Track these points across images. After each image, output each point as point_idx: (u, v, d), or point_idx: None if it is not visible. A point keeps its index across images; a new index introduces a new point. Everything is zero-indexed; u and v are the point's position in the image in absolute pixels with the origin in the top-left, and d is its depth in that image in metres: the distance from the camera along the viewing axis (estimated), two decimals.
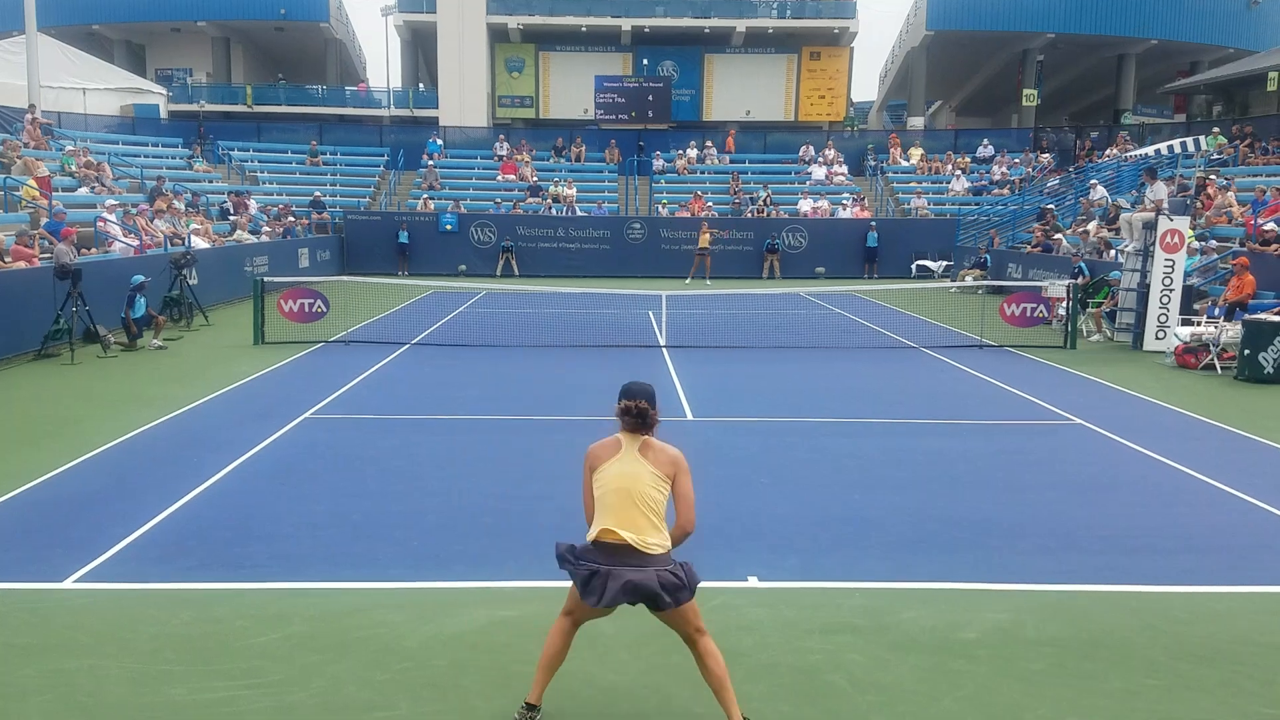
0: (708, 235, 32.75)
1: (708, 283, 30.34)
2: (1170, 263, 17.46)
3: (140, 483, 8.76)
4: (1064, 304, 18.77)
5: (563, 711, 4.91)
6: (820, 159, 41.09)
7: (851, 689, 5.18)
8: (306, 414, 11.60)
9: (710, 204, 37.22)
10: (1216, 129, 33.21)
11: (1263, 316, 15.15)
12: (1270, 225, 19.95)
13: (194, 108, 45.71)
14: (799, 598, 6.38)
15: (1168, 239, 17.42)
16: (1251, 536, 7.70)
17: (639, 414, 4.68)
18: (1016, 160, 40.90)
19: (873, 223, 35.32)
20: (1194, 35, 46.79)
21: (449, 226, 34.40)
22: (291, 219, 32.63)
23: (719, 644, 5.62)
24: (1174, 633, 5.90)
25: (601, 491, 4.59)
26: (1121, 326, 18.88)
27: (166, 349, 16.80)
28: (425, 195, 37.04)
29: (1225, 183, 25.64)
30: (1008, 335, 18.33)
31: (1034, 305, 18.51)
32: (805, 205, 37.12)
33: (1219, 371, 15.35)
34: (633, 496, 4.53)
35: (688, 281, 30.59)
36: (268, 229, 30.57)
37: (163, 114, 42.39)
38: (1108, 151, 37.90)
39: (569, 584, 6.55)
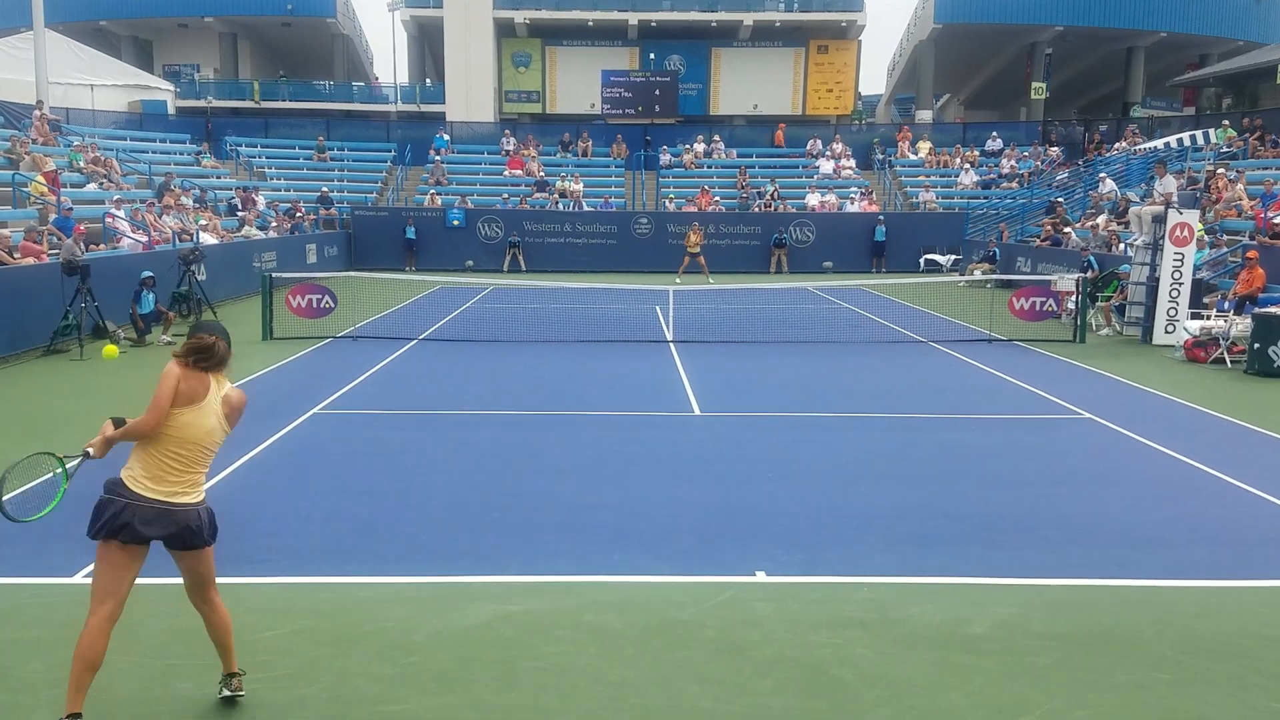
0: (697, 236, 32.52)
1: (710, 280, 30.20)
2: (1180, 256, 17.39)
3: None
4: (1073, 298, 18.72)
5: (570, 708, 4.92)
6: (828, 153, 41.01)
7: (858, 683, 5.18)
8: (315, 409, 11.62)
9: (718, 198, 37.19)
10: (1226, 122, 33.01)
11: (1273, 310, 15.08)
12: None
13: (201, 104, 45.77)
14: (806, 592, 6.38)
15: (1177, 232, 17.35)
16: (1260, 530, 7.68)
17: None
18: (1025, 154, 40.71)
19: (881, 217, 35.24)
20: (1203, 28, 46.54)
21: (456, 222, 34.42)
22: (299, 214, 32.69)
23: (726, 639, 5.65)
24: (1182, 627, 5.88)
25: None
26: (1131, 320, 18.82)
27: (175, 345, 16.81)
28: (432, 191, 37.05)
29: (1235, 175, 25.51)
30: (1016, 329, 18.29)
31: (1043, 299, 18.44)
32: (813, 199, 37.05)
33: (1228, 365, 15.29)
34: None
35: (678, 280, 30.31)
36: (275, 225, 30.63)
37: (170, 110, 42.45)
38: (1117, 145, 37.72)
39: (573, 579, 6.59)
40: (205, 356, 4.84)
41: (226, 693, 4.87)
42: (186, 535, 4.73)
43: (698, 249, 32.03)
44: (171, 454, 4.64)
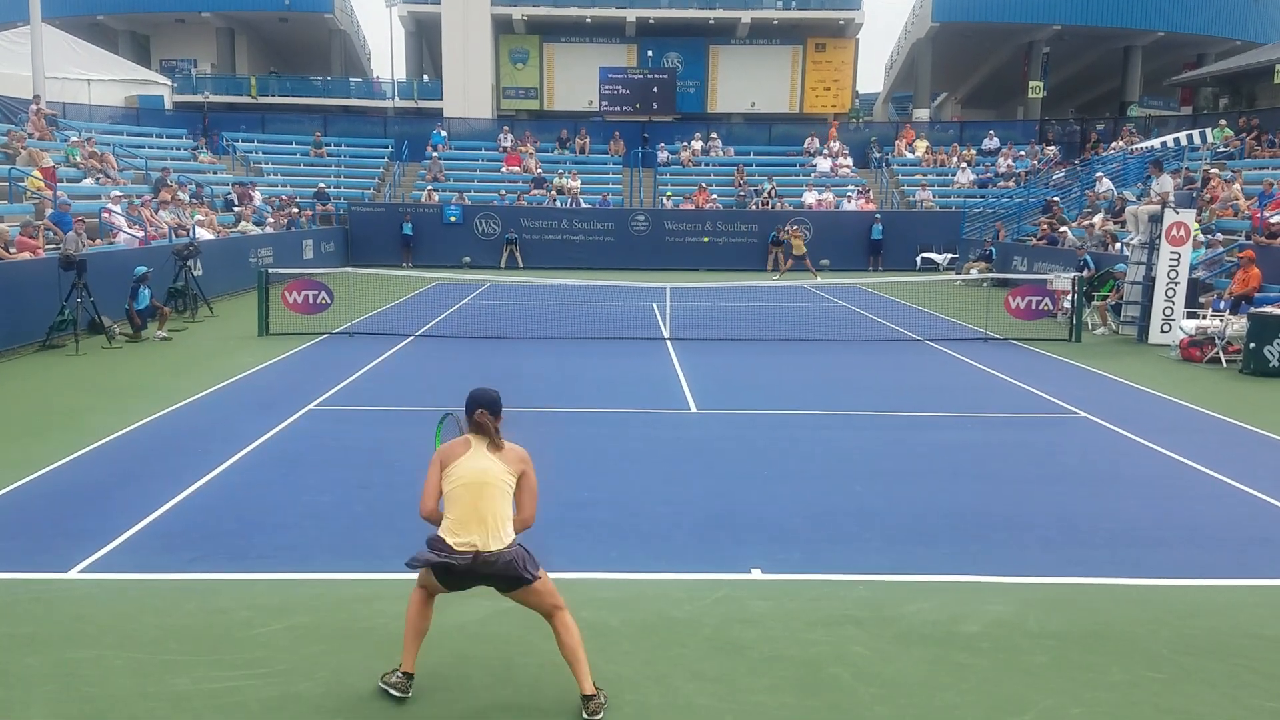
0: (798, 240, 31.66)
1: (817, 278, 29.42)
2: (1176, 256, 17.41)
3: (145, 474, 8.78)
4: (1069, 297, 18.74)
5: (565, 705, 4.92)
6: (825, 151, 41.01)
7: (854, 681, 5.19)
8: (311, 405, 11.61)
9: (715, 196, 37.19)
10: (1223, 121, 33.05)
11: (1268, 309, 15.11)
12: (1276, 218, 19.89)
13: (198, 99, 45.62)
14: (802, 590, 6.39)
15: (1173, 232, 17.37)
16: (1255, 530, 7.70)
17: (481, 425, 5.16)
18: (1022, 152, 40.75)
19: (877, 215, 35.26)
20: (1201, 27, 46.59)
21: (453, 218, 34.40)
22: (296, 210, 32.63)
23: (722, 636, 5.66)
24: (1177, 626, 5.90)
25: (451, 487, 4.97)
26: (1127, 320, 18.85)
27: (171, 340, 16.83)
28: (429, 187, 37.03)
29: (1230, 175, 25.55)
30: (1012, 328, 18.31)
31: (1039, 298, 18.46)
32: (810, 197, 37.07)
33: (1224, 365, 15.32)
34: (483, 490, 4.92)
35: (777, 279, 29.40)
36: (272, 220, 30.59)
37: (167, 105, 42.36)
38: (1114, 144, 37.76)
39: (569, 575, 6.58)
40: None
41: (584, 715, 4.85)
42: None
43: (803, 252, 31.39)
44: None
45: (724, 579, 6.52)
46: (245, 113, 44.98)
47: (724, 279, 29.12)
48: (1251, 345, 14.58)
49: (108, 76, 38.91)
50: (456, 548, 4.82)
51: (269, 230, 29.36)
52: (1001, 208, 35.16)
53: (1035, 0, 45.03)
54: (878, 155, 41.45)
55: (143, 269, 16.97)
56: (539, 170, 38.91)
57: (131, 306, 16.72)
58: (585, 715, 4.79)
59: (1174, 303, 17.45)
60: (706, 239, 34.15)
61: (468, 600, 6.10)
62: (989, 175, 39.62)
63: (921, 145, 41.87)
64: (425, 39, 50.97)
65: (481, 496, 4.90)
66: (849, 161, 40.79)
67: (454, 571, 4.84)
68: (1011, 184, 38.08)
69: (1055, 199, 31.82)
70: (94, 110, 36.29)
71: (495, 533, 4.86)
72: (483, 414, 5.16)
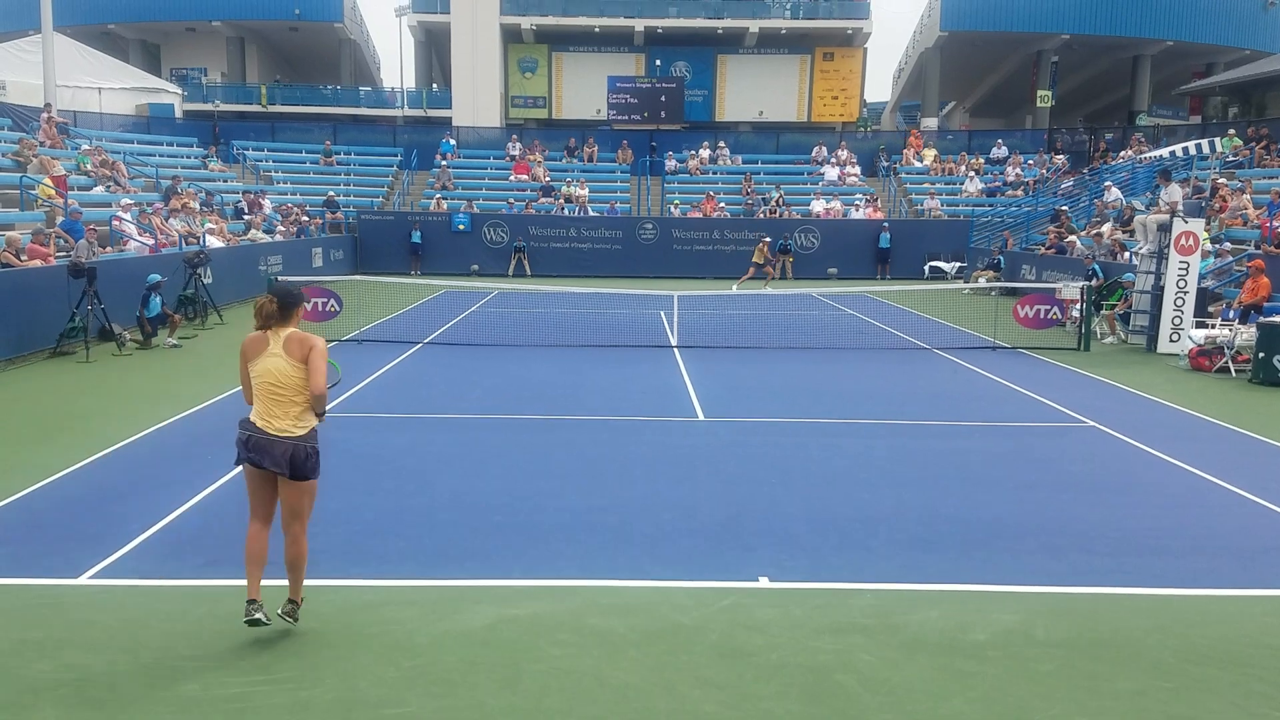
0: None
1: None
2: (1185, 265, 17.38)
3: (155, 480, 8.82)
4: (1078, 306, 18.70)
5: (572, 711, 4.93)
6: (833, 159, 41.03)
7: (861, 689, 5.19)
8: None
9: (723, 204, 37.23)
10: (1232, 130, 33.00)
11: (1278, 319, 15.06)
12: None
13: (209, 107, 45.90)
14: (809, 598, 6.39)
15: (1182, 241, 17.35)
16: (1263, 539, 7.68)
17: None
18: (1030, 162, 40.74)
19: (885, 224, 35.26)
20: (1209, 36, 46.51)
21: (461, 226, 34.50)
22: (305, 218, 32.74)
23: (729, 643, 5.66)
24: (1184, 635, 5.89)
25: (253, 382, 5.72)
26: (1135, 329, 18.81)
27: (181, 347, 16.90)
28: (438, 195, 37.15)
29: (1239, 185, 25.50)
30: (1021, 337, 18.28)
31: (1047, 307, 18.44)
32: (818, 206, 37.08)
33: (1233, 374, 15.27)
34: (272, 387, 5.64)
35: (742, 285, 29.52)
36: (282, 228, 30.71)
37: (178, 113, 42.61)
38: (1122, 153, 37.72)
39: (576, 582, 6.60)
40: (256, 316, 5.77)
41: (279, 613, 5.66)
42: (284, 464, 5.60)
43: (762, 260, 31.11)
44: (260, 394, 5.70)
45: (731, 586, 6.53)
46: (255, 121, 45.22)
47: (732, 287, 29.12)
48: (1261, 355, 14.54)
49: (118, 85, 39.13)
50: (247, 425, 5.68)
51: (279, 238, 29.48)
52: (1010, 216, 35.14)
53: (1044, 9, 45.02)
54: (885, 164, 41.46)
55: (156, 277, 17.05)
56: (547, 178, 39.01)
57: (142, 314, 16.79)
58: (280, 613, 5.64)
59: (1183, 312, 17.41)
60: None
61: (474, 606, 6.13)
62: (997, 184, 39.61)
63: (930, 154, 41.87)
64: (434, 48, 51.19)
65: (271, 392, 5.63)
66: (857, 170, 40.83)
67: (249, 448, 5.64)
68: (1020, 193, 38.06)
69: (1064, 208, 31.81)
70: (105, 119, 36.50)
71: (279, 422, 5.60)
72: (269, 302, 5.71)
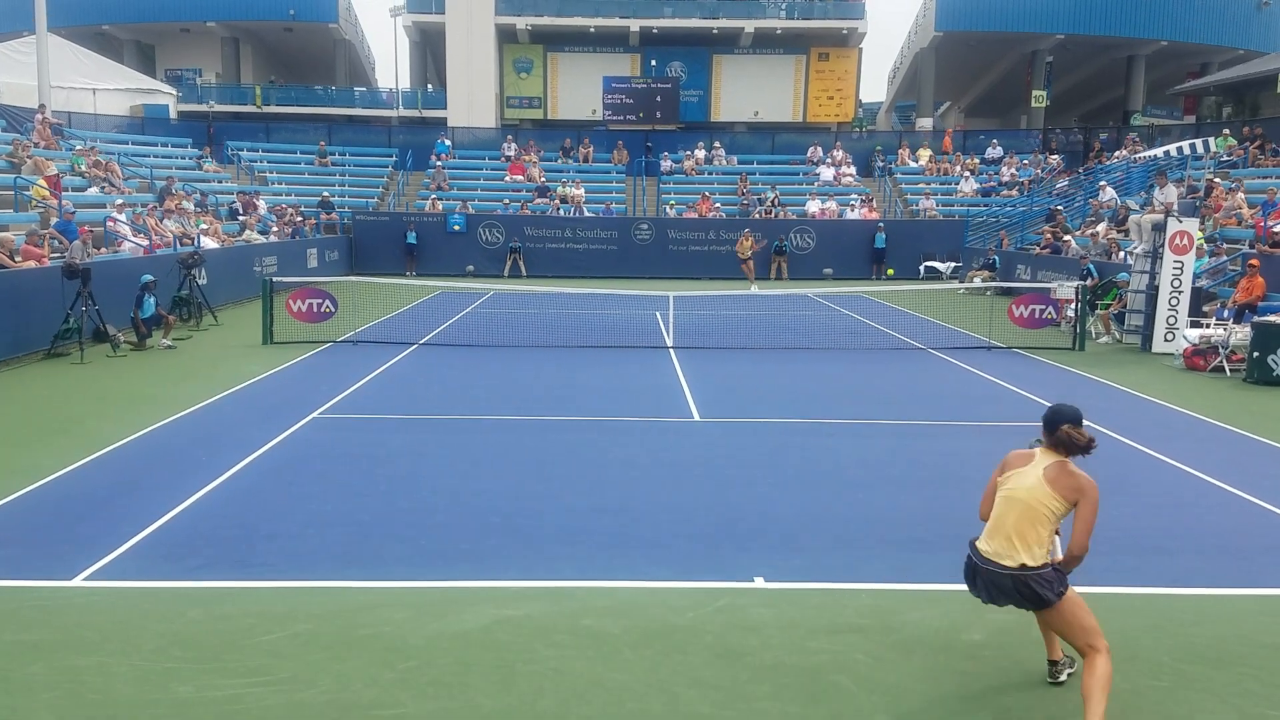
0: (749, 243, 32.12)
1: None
2: (1179, 264, 17.41)
3: (149, 481, 8.80)
4: (1072, 306, 18.74)
5: (567, 712, 4.92)
6: (828, 160, 41.06)
7: (856, 689, 5.19)
8: (315, 413, 11.64)
9: (718, 204, 37.24)
10: (1226, 130, 33.09)
11: (1272, 318, 15.09)
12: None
13: (203, 108, 45.81)
14: (804, 598, 6.38)
15: (1177, 241, 17.38)
16: (1259, 539, 7.69)
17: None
18: (1025, 161, 40.79)
19: (881, 224, 35.29)
20: (1204, 36, 46.57)
21: (457, 227, 34.46)
22: (300, 219, 32.70)
23: (724, 644, 5.65)
24: (1180, 634, 5.90)
25: (1000, 494, 5.05)
26: (1130, 328, 18.84)
27: (176, 348, 16.86)
28: (433, 196, 37.11)
29: (1232, 185, 25.55)
30: (1016, 337, 18.30)
31: (1042, 307, 18.47)
32: (813, 206, 37.10)
33: (1228, 374, 15.30)
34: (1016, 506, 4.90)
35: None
36: (276, 229, 30.66)
37: (172, 114, 42.50)
38: (1117, 153, 37.78)
39: (571, 583, 6.59)
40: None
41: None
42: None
43: (747, 257, 31.32)
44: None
45: (726, 587, 6.52)
46: (250, 122, 45.13)
47: (727, 288, 29.13)
48: (1255, 354, 14.57)
49: (113, 86, 39.05)
50: (978, 550, 5.01)
51: (273, 239, 29.44)
52: (1005, 216, 35.18)
53: (1039, 9, 45.07)
54: (881, 164, 41.50)
55: (148, 277, 17.02)
56: (542, 179, 38.98)
57: (137, 315, 16.76)
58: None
59: (1178, 311, 17.44)
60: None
61: (469, 607, 6.12)
62: (992, 184, 39.66)
63: (925, 154, 41.92)
64: (429, 48, 51.13)
65: (1013, 511, 4.90)
66: (852, 170, 40.85)
67: (974, 576, 5.02)
68: (1015, 193, 38.11)
69: (1059, 208, 31.86)
70: (99, 119, 36.39)
71: (1012, 550, 4.84)
72: (1068, 430, 4.93)
